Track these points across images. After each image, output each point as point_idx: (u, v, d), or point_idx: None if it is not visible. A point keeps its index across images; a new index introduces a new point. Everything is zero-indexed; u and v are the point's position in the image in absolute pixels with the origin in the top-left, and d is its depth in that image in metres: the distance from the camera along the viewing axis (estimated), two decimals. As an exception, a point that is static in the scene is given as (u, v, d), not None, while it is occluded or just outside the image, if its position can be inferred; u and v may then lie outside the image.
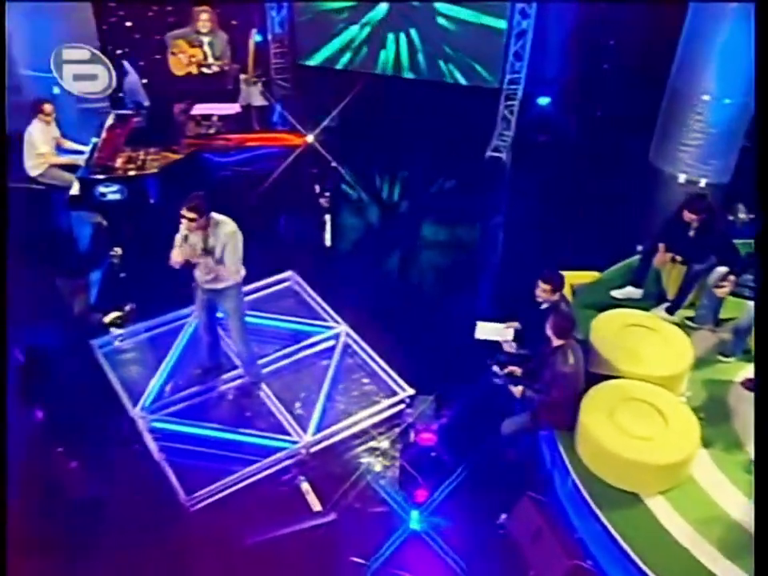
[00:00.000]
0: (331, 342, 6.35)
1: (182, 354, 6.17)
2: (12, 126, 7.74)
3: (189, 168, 7.12)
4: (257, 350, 6.00)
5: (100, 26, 9.31)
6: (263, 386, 5.91)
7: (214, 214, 5.20)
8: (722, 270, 5.89)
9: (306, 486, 5.14)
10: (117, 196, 6.77)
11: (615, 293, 6.40)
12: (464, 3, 9.09)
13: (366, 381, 6.06)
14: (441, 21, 9.33)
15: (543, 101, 9.99)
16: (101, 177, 6.77)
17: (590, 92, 9.85)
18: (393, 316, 6.64)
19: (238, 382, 5.94)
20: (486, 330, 5.52)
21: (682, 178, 8.94)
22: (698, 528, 4.56)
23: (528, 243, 7.69)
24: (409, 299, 7.13)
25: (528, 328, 5.57)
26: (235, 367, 6.00)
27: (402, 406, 5.77)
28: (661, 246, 6.20)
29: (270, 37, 9.85)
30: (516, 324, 5.65)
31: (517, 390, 5.17)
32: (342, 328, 6.45)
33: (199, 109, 8.08)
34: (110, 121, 7.39)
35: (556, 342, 4.99)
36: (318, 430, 5.53)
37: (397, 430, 5.56)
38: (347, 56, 9.87)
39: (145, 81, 8.27)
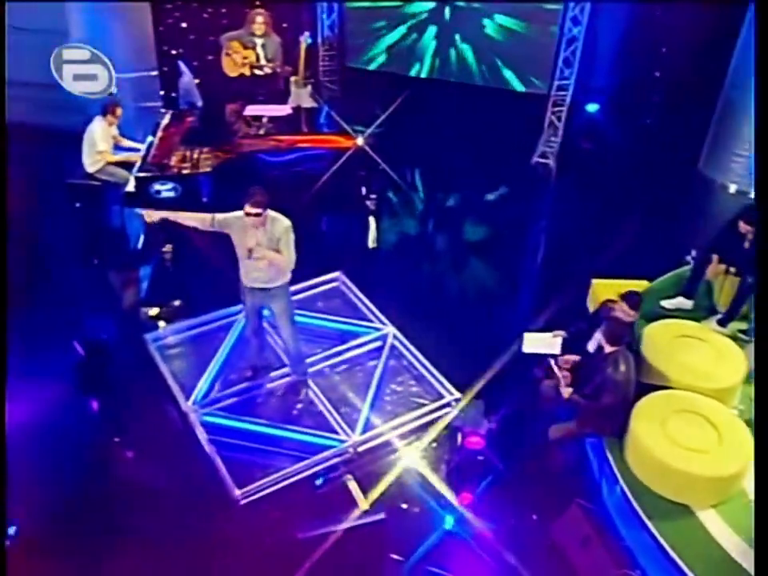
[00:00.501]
0: (378, 343, 6.40)
1: (232, 351, 6.26)
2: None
3: (241, 167, 7.20)
4: (305, 349, 6.06)
5: (156, 27, 9.55)
6: (311, 383, 5.97)
7: (269, 211, 5.24)
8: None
9: (353, 485, 5.19)
10: (171, 194, 6.88)
11: (665, 303, 6.34)
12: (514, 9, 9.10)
13: (412, 383, 6.09)
14: (489, 25, 9.34)
15: (592, 107, 9.94)
16: (156, 174, 6.90)
17: (640, 100, 9.77)
18: (438, 319, 6.67)
19: (286, 379, 6.01)
20: (533, 342, 5.47)
21: (732, 188, 8.82)
22: (750, 542, 4.48)
23: (574, 250, 7.65)
24: (453, 303, 7.18)
25: (576, 336, 5.56)
26: (283, 365, 6.07)
27: (449, 409, 5.79)
28: (714, 256, 6.13)
29: (319, 39, 9.97)
30: (563, 333, 5.62)
31: (566, 390, 5.13)
32: (390, 329, 6.49)
33: (251, 110, 8.20)
34: (165, 120, 7.55)
35: (608, 349, 4.99)
36: (365, 429, 5.57)
37: (444, 432, 5.57)
38: (395, 59, 9.92)
39: (198, 81, 8.41)
